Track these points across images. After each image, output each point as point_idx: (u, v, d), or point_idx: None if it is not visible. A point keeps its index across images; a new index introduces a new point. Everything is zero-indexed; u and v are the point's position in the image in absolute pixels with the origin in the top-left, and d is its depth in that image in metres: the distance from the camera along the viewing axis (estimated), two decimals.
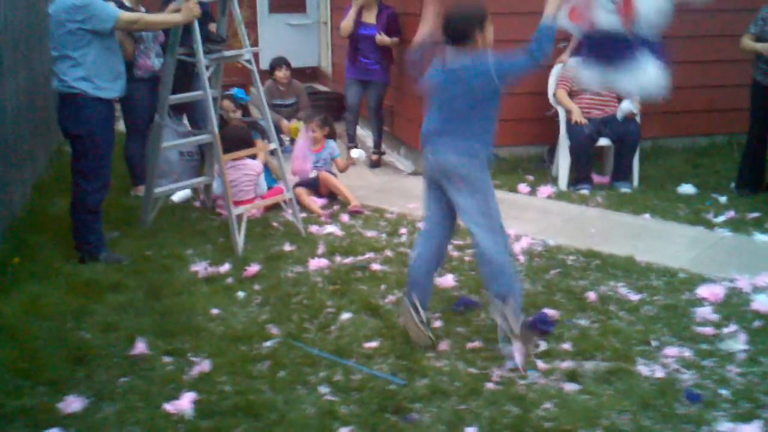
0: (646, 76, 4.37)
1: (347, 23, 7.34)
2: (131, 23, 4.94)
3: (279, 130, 7.40)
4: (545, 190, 6.49)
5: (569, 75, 6.75)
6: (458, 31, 3.64)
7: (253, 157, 6.12)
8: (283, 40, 10.52)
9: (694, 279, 4.62)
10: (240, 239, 5.11)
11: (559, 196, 6.42)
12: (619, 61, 4.32)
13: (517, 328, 3.60)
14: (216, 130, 5.22)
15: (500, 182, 6.67)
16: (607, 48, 4.35)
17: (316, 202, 6.19)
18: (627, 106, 6.58)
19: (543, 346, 3.81)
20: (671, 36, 7.29)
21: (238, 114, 7.13)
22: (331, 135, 6.66)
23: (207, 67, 5.19)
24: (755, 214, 5.81)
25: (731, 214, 5.81)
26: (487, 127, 3.71)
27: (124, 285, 4.54)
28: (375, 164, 7.56)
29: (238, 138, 5.95)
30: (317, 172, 6.39)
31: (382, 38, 7.23)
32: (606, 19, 4.30)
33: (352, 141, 7.66)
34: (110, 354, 3.73)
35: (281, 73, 8.31)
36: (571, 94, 6.74)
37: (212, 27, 5.93)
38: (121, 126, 6.29)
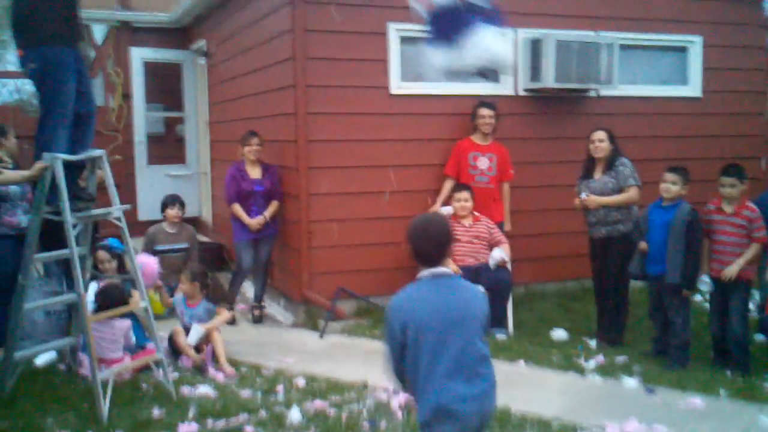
0: (487, 46, 4.55)
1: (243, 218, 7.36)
2: None
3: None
4: None
5: None
6: None
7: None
8: (162, 190, 10.39)
9: (567, 428, 4.68)
10: (105, 405, 4.85)
11: None
12: (459, 36, 4.45)
13: None
14: (82, 290, 5.05)
15: (379, 332, 6.69)
16: (446, 24, 4.52)
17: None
18: (498, 255, 6.81)
19: None
20: (543, 185, 7.83)
21: (114, 265, 6.89)
22: (205, 289, 6.48)
23: (74, 225, 5.08)
24: (622, 358, 6.03)
25: (600, 358, 6.00)
26: None
27: None
28: (258, 319, 7.44)
29: (112, 297, 5.77)
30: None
31: (272, 209, 7.36)
32: None
33: (232, 302, 7.49)
34: None
35: (173, 212, 7.89)
36: None
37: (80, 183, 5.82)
38: None
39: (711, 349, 6.15)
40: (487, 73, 5.75)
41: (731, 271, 5.77)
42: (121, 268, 6.97)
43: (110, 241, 7.13)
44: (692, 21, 8.44)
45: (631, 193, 6.37)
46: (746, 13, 8.68)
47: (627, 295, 6.60)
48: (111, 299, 5.67)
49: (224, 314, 6.35)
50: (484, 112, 7.24)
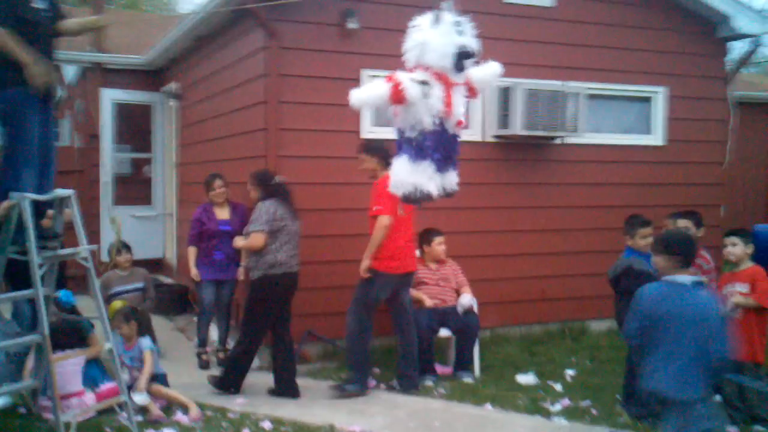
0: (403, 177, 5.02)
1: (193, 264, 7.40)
2: None
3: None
4: (391, 382, 6.52)
5: None
6: None
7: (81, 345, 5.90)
8: (127, 231, 10.30)
9: None
10: None
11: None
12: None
13: None
14: (46, 331, 4.98)
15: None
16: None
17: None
18: (467, 301, 6.84)
19: None
20: (506, 230, 7.92)
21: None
22: (144, 328, 6.39)
23: (40, 266, 5.03)
24: (588, 402, 6.06)
25: (566, 401, 6.04)
26: None
27: None
28: (223, 362, 7.34)
29: (69, 329, 5.73)
30: (129, 372, 6.09)
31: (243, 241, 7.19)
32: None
33: (204, 344, 7.44)
34: None
35: (122, 258, 7.90)
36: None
37: (46, 222, 5.76)
38: None
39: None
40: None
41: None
42: None
43: (61, 294, 7.01)
44: (657, 73, 8.67)
45: (251, 238, 6.22)
46: (709, 67, 8.95)
47: (254, 345, 6.40)
48: (64, 335, 5.63)
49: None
50: None
